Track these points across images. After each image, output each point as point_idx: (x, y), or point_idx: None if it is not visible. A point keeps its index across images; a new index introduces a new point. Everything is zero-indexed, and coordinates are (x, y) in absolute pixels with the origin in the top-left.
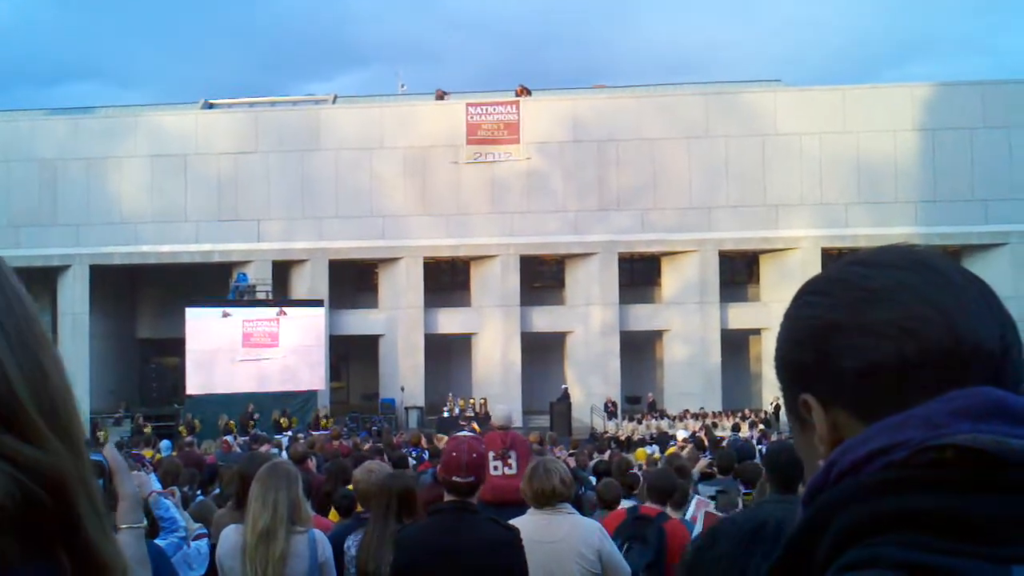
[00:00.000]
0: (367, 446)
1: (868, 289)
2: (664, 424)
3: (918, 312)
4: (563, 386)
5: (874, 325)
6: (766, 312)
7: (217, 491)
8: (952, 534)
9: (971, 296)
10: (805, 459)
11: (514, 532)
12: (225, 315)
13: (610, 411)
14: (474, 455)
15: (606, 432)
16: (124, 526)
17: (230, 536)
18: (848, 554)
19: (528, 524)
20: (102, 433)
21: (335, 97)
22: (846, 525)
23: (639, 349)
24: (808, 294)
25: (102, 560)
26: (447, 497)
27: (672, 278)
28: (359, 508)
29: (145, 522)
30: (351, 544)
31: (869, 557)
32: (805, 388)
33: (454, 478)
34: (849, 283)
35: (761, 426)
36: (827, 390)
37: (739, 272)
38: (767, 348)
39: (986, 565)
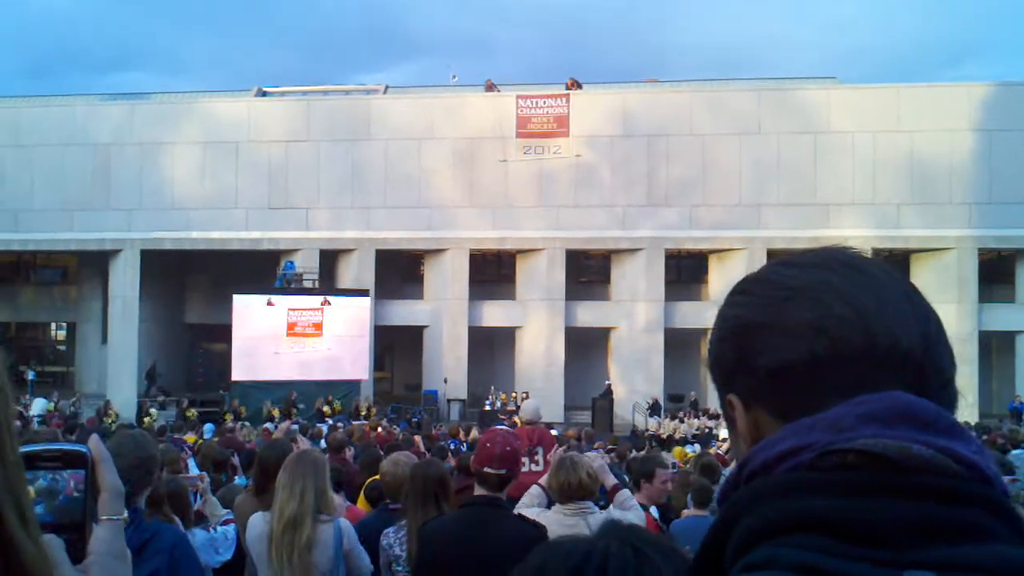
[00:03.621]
0: (400, 436)
1: (787, 287)
2: (708, 423)
3: (833, 311)
4: (606, 382)
5: (788, 324)
6: None
7: None
8: (851, 538)
9: (893, 295)
10: (735, 454)
11: (542, 530)
12: (269, 303)
13: (652, 407)
14: (508, 448)
15: (647, 430)
16: (104, 517)
17: (257, 523)
18: (751, 554)
19: (553, 521)
20: (148, 418)
21: (386, 87)
22: (752, 525)
23: (684, 347)
24: (735, 294)
25: (22, 561)
26: (477, 490)
27: (719, 276)
28: (387, 500)
29: (125, 514)
30: (392, 542)
31: (767, 558)
32: (729, 387)
33: (486, 469)
34: (770, 282)
35: None
36: (747, 389)
37: None
38: None
39: (881, 570)
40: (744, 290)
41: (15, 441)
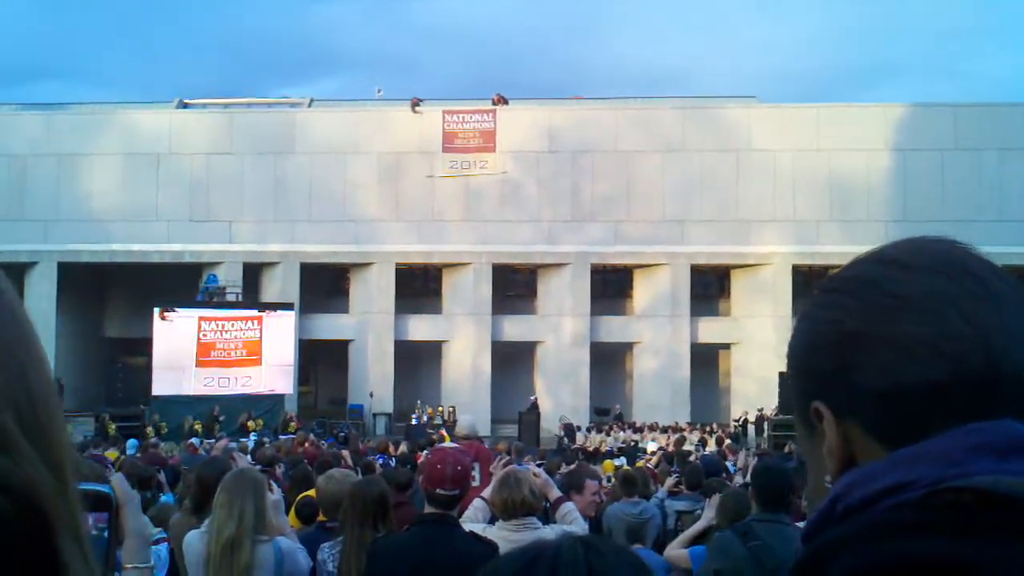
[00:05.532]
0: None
1: (898, 296)
2: (634, 436)
3: (953, 329)
4: (532, 396)
5: (900, 340)
6: (736, 327)
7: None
8: None
9: (1014, 311)
10: (810, 467)
11: (494, 547)
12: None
13: (566, 432)
14: (459, 468)
15: (574, 444)
16: (130, 566)
17: (193, 543)
18: None
19: (499, 538)
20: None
21: (311, 100)
22: (850, 568)
23: (609, 361)
24: (832, 292)
25: None
26: (427, 508)
27: (644, 291)
28: (321, 517)
29: (152, 562)
30: (327, 557)
31: None
32: (818, 395)
33: (438, 491)
34: (875, 285)
35: (728, 441)
36: (843, 403)
37: (710, 286)
38: (736, 362)
39: None
40: (844, 289)
41: (65, 436)
